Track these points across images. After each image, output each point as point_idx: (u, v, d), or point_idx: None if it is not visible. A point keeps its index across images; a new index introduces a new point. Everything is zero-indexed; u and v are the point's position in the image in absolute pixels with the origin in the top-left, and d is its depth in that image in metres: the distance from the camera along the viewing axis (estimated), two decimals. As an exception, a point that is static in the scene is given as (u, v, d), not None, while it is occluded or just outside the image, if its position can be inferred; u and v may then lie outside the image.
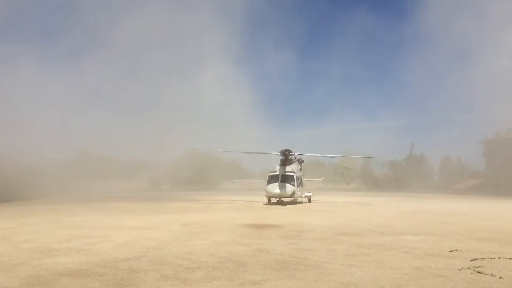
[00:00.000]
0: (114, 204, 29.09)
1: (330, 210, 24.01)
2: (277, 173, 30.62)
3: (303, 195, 31.91)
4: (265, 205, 27.88)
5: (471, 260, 8.11)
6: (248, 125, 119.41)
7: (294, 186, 29.48)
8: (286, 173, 30.39)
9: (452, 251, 9.51)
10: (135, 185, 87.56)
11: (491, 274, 6.96)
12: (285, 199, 29.41)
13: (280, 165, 31.94)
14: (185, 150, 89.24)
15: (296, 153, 33.73)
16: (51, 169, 60.01)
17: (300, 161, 35.26)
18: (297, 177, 30.70)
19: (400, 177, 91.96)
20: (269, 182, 29.89)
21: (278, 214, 20.44)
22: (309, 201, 32.41)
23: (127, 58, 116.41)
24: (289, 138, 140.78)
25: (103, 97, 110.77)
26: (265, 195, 29.99)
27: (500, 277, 6.80)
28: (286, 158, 32.00)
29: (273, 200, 29.56)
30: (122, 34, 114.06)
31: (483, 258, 8.26)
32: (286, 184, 29.26)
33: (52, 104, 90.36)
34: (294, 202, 30.72)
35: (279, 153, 32.36)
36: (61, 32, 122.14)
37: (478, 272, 7.08)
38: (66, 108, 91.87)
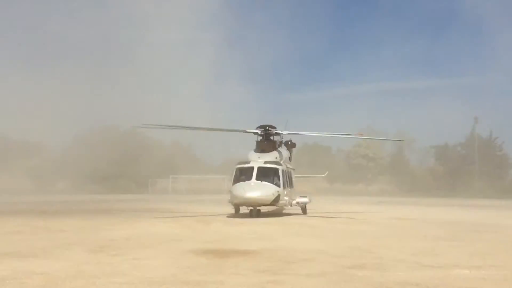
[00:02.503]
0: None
1: (337, 226, 19.46)
2: (251, 164, 23.65)
3: (294, 202, 25.60)
4: (230, 218, 23.08)
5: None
6: (208, 84, 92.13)
7: (279, 186, 23.52)
8: (266, 165, 23.62)
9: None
10: (9, 182, 60.93)
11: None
12: (263, 208, 24.10)
13: (255, 151, 24.98)
14: (97, 126, 59.72)
15: (283, 132, 26.84)
16: None
17: (290, 145, 27.93)
18: (283, 171, 24.67)
19: (455, 172, 66.01)
20: (237, 180, 23.65)
21: (251, 232, 16.53)
22: (303, 211, 26.35)
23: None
24: (274, 106, 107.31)
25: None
26: (231, 201, 24.04)
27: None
28: (266, 139, 25.10)
29: (246, 209, 24.12)
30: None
31: None
32: (266, 182, 22.98)
33: None
34: (279, 213, 25.78)
35: (255, 131, 25.39)
36: None
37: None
38: None
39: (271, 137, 25.21)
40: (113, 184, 61.14)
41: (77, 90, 67.82)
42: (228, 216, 23.47)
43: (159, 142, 64.44)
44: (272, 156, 24.30)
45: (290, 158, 27.72)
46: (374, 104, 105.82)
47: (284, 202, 24.02)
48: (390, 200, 47.25)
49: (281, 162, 24.80)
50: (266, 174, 22.97)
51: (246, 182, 22.48)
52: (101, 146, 58.83)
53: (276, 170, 23.46)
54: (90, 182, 60.39)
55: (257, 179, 22.43)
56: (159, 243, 13.19)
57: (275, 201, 22.97)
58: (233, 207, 24.22)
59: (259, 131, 25.21)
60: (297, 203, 25.41)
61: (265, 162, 23.47)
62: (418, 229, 18.21)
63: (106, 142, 58.77)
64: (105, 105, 64.20)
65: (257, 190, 22.14)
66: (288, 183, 24.88)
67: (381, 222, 21.16)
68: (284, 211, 26.58)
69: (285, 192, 23.84)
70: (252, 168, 22.96)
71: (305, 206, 26.00)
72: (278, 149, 25.53)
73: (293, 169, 27.88)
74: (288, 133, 26.99)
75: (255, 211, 22.90)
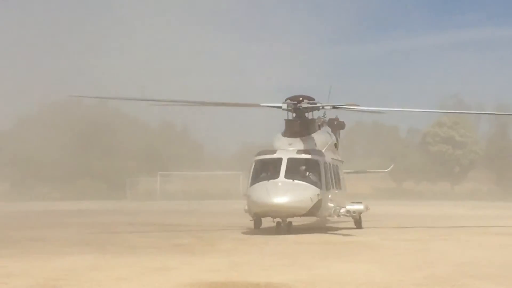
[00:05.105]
0: None
1: (408, 246, 16.67)
2: (278, 155, 20.08)
3: (343, 210, 21.43)
4: (248, 234, 20.14)
5: None
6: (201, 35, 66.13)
7: (320, 186, 19.76)
8: (301, 156, 20.02)
9: None
10: None
11: None
12: (296, 219, 20.52)
13: (284, 134, 21.12)
14: (49, 101, 43.46)
15: (324, 106, 22.08)
16: None
17: (337, 126, 23.60)
18: (327, 164, 20.95)
19: None
20: (257, 178, 20.04)
21: (278, 256, 13.72)
22: (357, 224, 22.31)
23: None
24: (312, 67, 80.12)
25: None
26: (248, 210, 20.40)
27: None
28: (300, 117, 21.05)
29: (271, 221, 20.51)
30: None
31: None
32: (300, 182, 19.26)
33: None
34: (320, 227, 22.15)
35: (282, 106, 21.00)
36: None
37: None
38: None
39: (308, 114, 20.66)
40: (72, 185, 47.53)
41: (22, 55, 49.97)
42: (244, 232, 20.36)
43: (142, 123, 48.67)
44: (309, 142, 20.11)
45: (336, 145, 23.32)
46: (465, 62, 79.57)
47: (328, 210, 20.24)
48: (487, 206, 40.47)
49: (323, 151, 20.66)
50: (301, 170, 19.17)
51: (271, 181, 18.65)
52: (55, 131, 43.14)
53: (316, 163, 19.55)
54: (39, 182, 47.29)
55: (287, 176, 18.60)
56: (137, 275, 10.79)
57: (315, 209, 19.17)
58: (251, 218, 20.08)
59: (288, 106, 20.41)
60: (348, 212, 21.05)
61: (299, 152, 19.62)
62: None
63: (63, 124, 43.14)
64: (62, 74, 48.05)
65: (287, 194, 18.29)
66: (334, 182, 20.98)
67: (472, 240, 18.26)
68: (327, 224, 23.26)
69: (330, 196, 20.11)
70: (280, 160, 19.18)
71: (360, 217, 21.68)
72: (319, 131, 21.37)
73: (342, 162, 23.77)
74: (334, 107, 21.67)
75: (285, 224, 19.29)
